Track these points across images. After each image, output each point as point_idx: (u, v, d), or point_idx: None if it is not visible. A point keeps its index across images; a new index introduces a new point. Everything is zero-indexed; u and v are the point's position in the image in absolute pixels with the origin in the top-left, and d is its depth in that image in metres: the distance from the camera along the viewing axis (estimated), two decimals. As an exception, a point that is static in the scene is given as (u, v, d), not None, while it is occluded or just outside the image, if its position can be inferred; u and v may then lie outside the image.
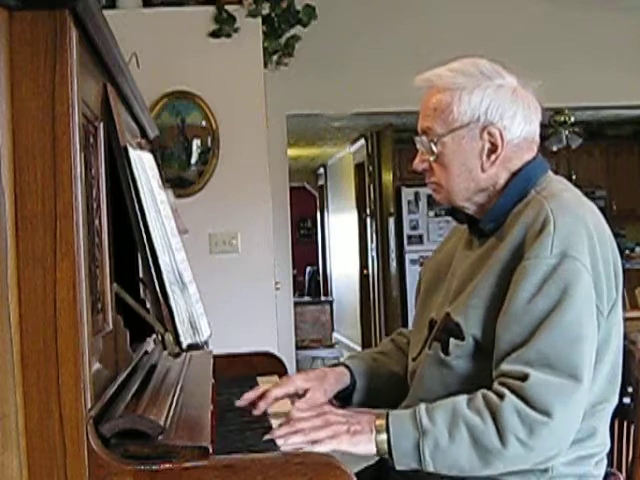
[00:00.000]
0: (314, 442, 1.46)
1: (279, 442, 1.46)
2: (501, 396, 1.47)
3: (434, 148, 1.67)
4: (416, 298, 1.90)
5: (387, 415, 1.52)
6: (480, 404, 1.48)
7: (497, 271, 1.58)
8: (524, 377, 1.46)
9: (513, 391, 1.47)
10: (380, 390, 1.85)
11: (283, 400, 1.74)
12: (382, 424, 1.50)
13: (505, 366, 1.50)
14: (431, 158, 1.69)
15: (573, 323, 1.48)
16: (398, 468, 1.50)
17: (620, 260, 1.64)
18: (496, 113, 1.64)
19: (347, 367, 1.86)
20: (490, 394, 1.49)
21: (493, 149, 1.65)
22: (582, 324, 1.49)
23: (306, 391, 1.74)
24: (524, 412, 1.45)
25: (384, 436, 1.49)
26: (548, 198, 1.58)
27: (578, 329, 1.48)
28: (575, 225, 1.54)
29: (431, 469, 1.48)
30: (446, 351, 1.61)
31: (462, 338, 1.59)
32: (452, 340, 1.60)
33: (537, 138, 1.71)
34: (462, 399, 1.51)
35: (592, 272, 1.53)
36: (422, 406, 1.51)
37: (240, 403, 1.72)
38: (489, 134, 1.65)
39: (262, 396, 1.71)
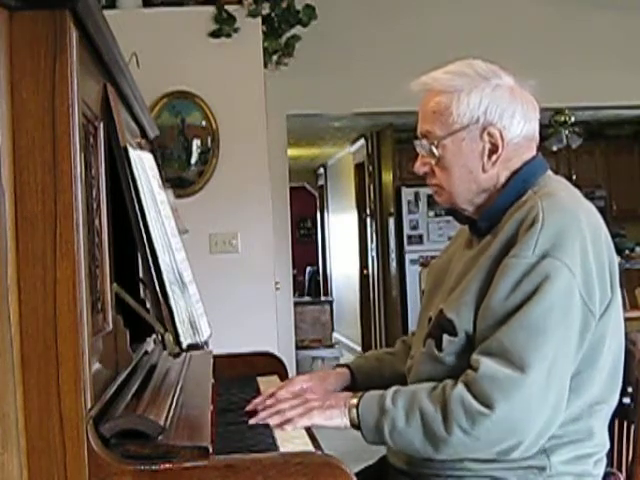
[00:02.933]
0: (288, 421, 1.59)
1: (251, 421, 1.61)
2: (454, 385, 1.53)
3: (435, 151, 1.68)
4: (421, 299, 1.92)
5: (363, 393, 1.61)
6: (438, 392, 1.54)
7: (488, 267, 1.59)
8: (477, 367, 1.51)
9: (465, 381, 1.52)
10: (382, 389, 1.86)
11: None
12: (355, 402, 1.60)
13: (472, 356, 1.54)
14: (432, 161, 1.69)
15: (538, 318, 1.49)
16: (368, 442, 1.60)
17: (616, 260, 1.63)
18: (495, 113, 1.64)
19: (348, 368, 1.92)
20: (449, 383, 1.55)
21: (494, 149, 1.66)
22: (549, 320, 1.49)
23: (308, 389, 1.78)
24: (468, 402, 1.49)
25: (355, 411, 1.59)
26: (542, 197, 1.59)
27: (541, 323, 1.49)
28: (565, 223, 1.54)
29: (393, 447, 1.60)
30: (439, 347, 1.63)
31: (455, 334, 1.60)
32: (445, 336, 1.62)
33: (537, 136, 1.71)
34: (427, 386, 1.57)
35: (582, 271, 1.53)
36: (393, 388, 1.60)
37: (249, 408, 1.71)
38: (489, 135, 1.65)
39: (270, 397, 1.74)
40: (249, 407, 1.71)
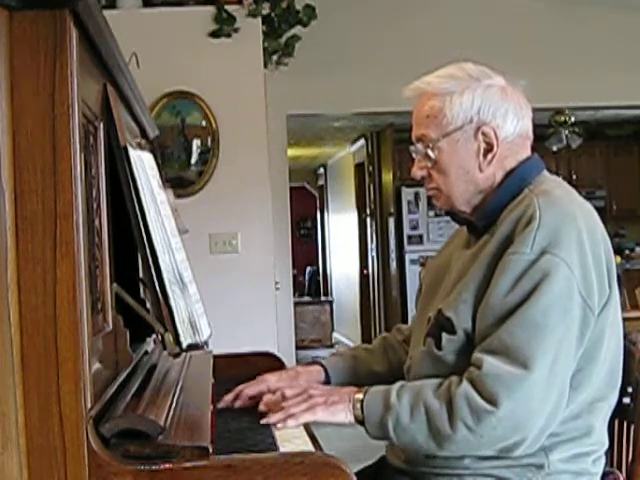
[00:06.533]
0: (291, 416, 1.59)
1: (262, 420, 1.62)
2: (459, 383, 1.53)
3: (431, 154, 1.69)
4: (417, 299, 1.92)
5: (367, 388, 1.61)
6: (444, 389, 1.54)
7: (486, 265, 1.60)
8: (481, 365, 1.51)
9: (470, 378, 1.52)
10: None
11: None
12: (360, 397, 1.60)
13: (474, 354, 1.55)
14: (429, 164, 1.70)
15: (537, 314, 1.50)
16: (372, 437, 1.60)
17: (614, 258, 1.64)
18: (488, 112, 1.66)
19: (322, 366, 1.92)
20: (454, 380, 1.55)
21: (489, 148, 1.67)
22: (549, 317, 1.50)
23: (277, 390, 1.77)
24: (473, 400, 1.50)
25: (359, 407, 1.59)
26: (539, 195, 1.60)
27: (542, 320, 1.50)
28: (562, 221, 1.55)
29: (396, 442, 1.58)
30: (439, 346, 1.63)
31: (454, 332, 1.61)
32: (444, 335, 1.62)
33: (530, 134, 1.73)
34: (432, 382, 1.57)
35: (580, 268, 1.53)
36: (398, 384, 1.60)
37: (220, 405, 1.79)
38: (483, 134, 1.66)
39: (237, 396, 1.80)
40: (220, 404, 1.78)
